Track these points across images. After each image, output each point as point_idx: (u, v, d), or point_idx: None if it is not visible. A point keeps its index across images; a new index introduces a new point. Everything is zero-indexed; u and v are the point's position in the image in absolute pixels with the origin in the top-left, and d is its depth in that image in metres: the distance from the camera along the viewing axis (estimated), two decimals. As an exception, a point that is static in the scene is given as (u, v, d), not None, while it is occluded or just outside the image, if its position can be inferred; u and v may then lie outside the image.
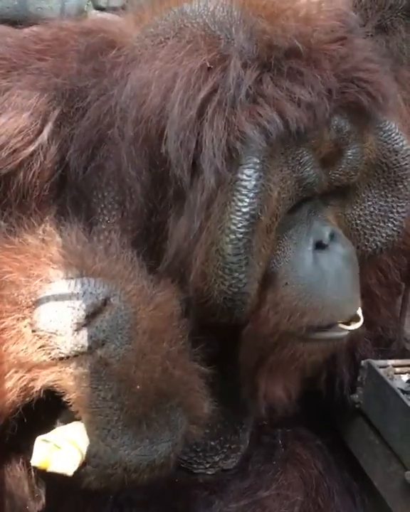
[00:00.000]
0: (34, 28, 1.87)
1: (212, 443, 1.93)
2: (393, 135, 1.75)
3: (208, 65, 1.57)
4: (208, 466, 1.94)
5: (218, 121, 1.54)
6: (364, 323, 1.95)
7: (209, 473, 1.94)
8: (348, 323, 1.72)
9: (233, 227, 1.56)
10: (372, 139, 1.73)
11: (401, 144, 1.76)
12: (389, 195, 1.79)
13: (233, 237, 1.56)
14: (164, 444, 1.45)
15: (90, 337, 1.42)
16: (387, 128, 1.75)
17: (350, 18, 1.72)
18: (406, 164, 1.77)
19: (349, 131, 1.67)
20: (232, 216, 1.56)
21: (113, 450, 1.42)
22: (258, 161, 1.55)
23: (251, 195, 1.55)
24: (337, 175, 1.71)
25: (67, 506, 1.80)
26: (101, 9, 4.29)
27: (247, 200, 1.55)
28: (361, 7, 2.06)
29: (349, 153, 1.69)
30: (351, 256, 1.74)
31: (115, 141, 1.65)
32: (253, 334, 1.69)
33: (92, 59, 1.72)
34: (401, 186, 1.79)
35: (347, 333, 1.72)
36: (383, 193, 1.79)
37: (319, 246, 1.69)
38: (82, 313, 1.43)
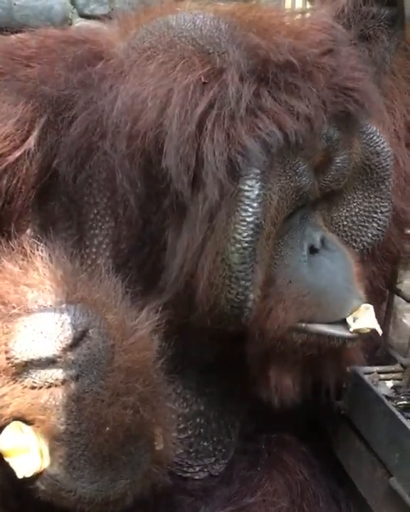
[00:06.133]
0: (20, 35, 1.88)
1: (205, 443, 1.94)
2: (374, 138, 1.80)
3: (203, 80, 1.59)
4: (198, 469, 1.94)
5: (218, 134, 1.56)
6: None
7: (197, 478, 1.94)
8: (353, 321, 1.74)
9: (239, 237, 1.59)
10: (357, 144, 1.78)
11: (382, 145, 1.81)
12: (372, 196, 1.85)
13: (239, 246, 1.59)
14: (123, 481, 1.45)
15: (64, 370, 1.41)
16: (369, 131, 1.80)
17: (336, 31, 1.76)
18: (387, 165, 1.83)
19: (338, 139, 1.71)
20: (237, 226, 1.58)
21: (72, 479, 1.42)
22: (259, 172, 1.58)
23: (255, 205, 1.58)
24: (327, 182, 1.75)
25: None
26: (86, 17, 4.29)
27: (251, 210, 1.58)
28: (344, 17, 2.08)
29: (338, 161, 1.74)
30: (342, 257, 1.77)
31: (106, 152, 1.66)
32: (260, 331, 1.71)
33: (80, 69, 1.74)
34: (383, 186, 1.84)
35: (339, 333, 1.73)
36: (366, 194, 1.85)
37: (312, 250, 1.73)
38: (58, 345, 1.41)
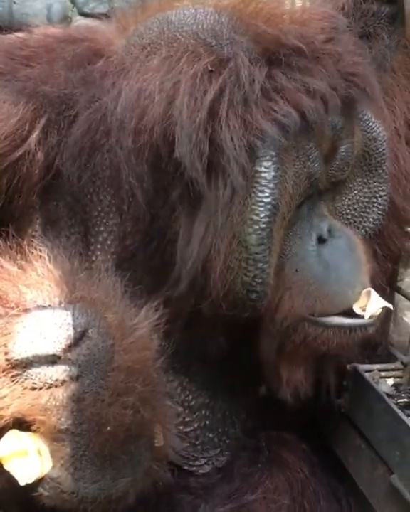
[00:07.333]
0: (19, 35, 1.88)
1: (210, 435, 1.94)
2: (370, 124, 1.82)
3: (210, 68, 1.60)
4: (203, 462, 1.95)
5: (233, 120, 1.57)
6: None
7: (202, 472, 1.95)
8: (362, 310, 1.76)
9: (256, 218, 1.60)
10: (358, 132, 1.80)
11: (378, 131, 1.84)
12: (371, 182, 1.87)
13: (256, 227, 1.60)
14: (124, 480, 1.45)
15: (64, 370, 1.40)
16: (366, 118, 1.82)
17: (337, 19, 1.78)
18: (384, 149, 1.85)
19: (342, 127, 1.73)
20: (254, 207, 1.59)
21: (74, 480, 1.42)
22: (275, 154, 1.60)
23: (271, 185, 1.59)
24: (333, 171, 1.77)
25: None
26: (86, 15, 4.30)
27: (268, 190, 1.59)
28: (344, 14, 2.08)
29: (342, 150, 1.76)
30: (349, 245, 1.79)
31: (111, 149, 1.66)
32: (271, 321, 1.72)
33: (80, 68, 1.74)
34: (380, 171, 1.86)
35: (358, 322, 1.75)
36: (366, 180, 1.87)
37: (320, 240, 1.74)
38: (58, 345, 1.41)
